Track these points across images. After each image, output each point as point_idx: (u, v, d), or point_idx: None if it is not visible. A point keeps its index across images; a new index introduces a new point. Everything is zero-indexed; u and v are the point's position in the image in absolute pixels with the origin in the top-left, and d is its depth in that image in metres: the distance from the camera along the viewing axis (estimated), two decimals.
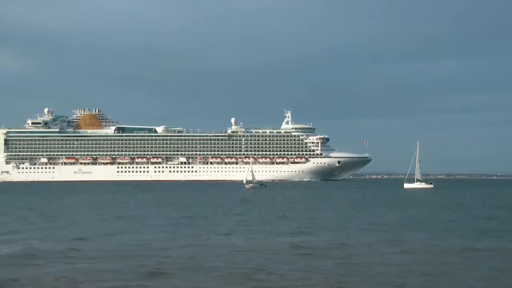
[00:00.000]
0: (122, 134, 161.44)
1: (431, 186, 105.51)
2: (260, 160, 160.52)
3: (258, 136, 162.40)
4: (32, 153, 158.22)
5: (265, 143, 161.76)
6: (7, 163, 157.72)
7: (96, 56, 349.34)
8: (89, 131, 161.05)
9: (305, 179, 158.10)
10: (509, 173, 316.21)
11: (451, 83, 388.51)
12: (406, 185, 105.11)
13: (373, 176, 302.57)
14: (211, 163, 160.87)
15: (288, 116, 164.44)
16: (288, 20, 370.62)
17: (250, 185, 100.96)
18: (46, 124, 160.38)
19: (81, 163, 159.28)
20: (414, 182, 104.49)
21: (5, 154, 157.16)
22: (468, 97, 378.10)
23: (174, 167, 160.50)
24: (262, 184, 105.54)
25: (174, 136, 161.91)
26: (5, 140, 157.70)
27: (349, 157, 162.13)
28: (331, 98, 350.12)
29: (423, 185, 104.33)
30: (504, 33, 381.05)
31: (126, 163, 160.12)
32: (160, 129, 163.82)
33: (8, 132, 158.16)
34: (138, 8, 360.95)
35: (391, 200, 65.11)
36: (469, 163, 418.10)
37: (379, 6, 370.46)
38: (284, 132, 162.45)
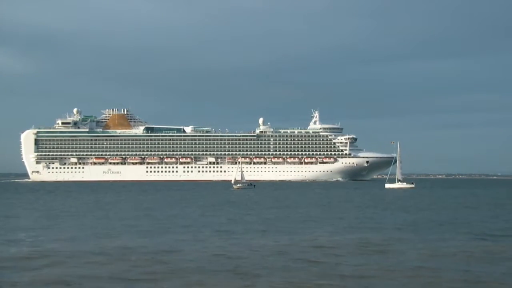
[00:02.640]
0: (151, 134, 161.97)
1: (413, 186, 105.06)
2: (288, 160, 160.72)
3: (287, 136, 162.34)
4: (62, 153, 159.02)
5: (294, 143, 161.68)
6: (37, 163, 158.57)
7: (104, 56, 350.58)
8: (118, 131, 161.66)
9: (333, 179, 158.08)
10: (509, 173, 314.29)
11: (451, 83, 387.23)
12: (388, 185, 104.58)
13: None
14: (239, 163, 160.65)
15: (316, 116, 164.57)
16: (290, 18, 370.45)
17: (239, 185, 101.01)
18: (75, 124, 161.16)
19: (110, 163, 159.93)
20: (395, 182, 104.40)
21: (36, 154, 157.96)
22: (468, 97, 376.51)
23: (203, 167, 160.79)
24: (251, 184, 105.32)
25: (203, 136, 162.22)
26: (35, 140, 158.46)
27: (377, 157, 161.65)
28: (335, 98, 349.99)
29: (404, 185, 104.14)
30: (503, 33, 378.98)
31: (155, 163, 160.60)
32: (188, 129, 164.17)
33: (38, 132, 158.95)
34: (142, 8, 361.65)
35: (346, 200, 64.93)
36: (469, 163, 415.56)
37: (379, 5, 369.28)
38: (313, 132, 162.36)
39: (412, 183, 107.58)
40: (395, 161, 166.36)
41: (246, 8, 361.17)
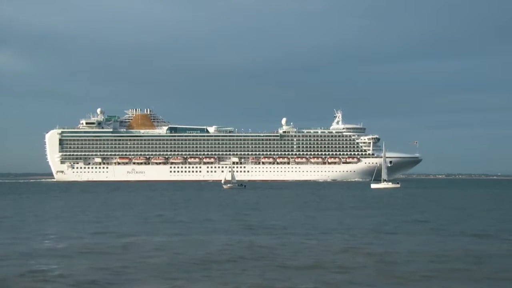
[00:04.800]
0: (175, 134, 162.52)
1: (398, 186, 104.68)
2: (312, 160, 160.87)
3: (310, 136, 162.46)
4: (86, 153, 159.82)
5: (317, 143, 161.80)
6: (62, 162, 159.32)
7: (106, 56, 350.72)
8: (141, 131, 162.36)
9: (356, 179, 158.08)
10: (509, 173, 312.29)
11: (451, 83, 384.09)
12: (373, 185, 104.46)
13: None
14: (263, 163, 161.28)
15: (339, 116, 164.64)
16: (290, 17, 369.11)
17: (229, 185, 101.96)
18: (99, 124, 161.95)
19: (134, 163, 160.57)
20: (381, 182, 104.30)
21: (60, 154, 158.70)
22: (468, 97, 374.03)
23: (226, 167, 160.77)
24: (241, 184, 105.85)
25: (226, 136, 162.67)
26: (60, 140, 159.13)
27: (400, 157, 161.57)
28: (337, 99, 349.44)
29: (389, 185, 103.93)
30: (503, 33, 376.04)
31: (178, 163, 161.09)
32: (212, 129, 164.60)
33: (62, 132, 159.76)
34: (142, 7, 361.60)
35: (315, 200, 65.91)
36: (469, 163, 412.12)
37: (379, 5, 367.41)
38: (336, 132, 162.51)
39: (398, 183, 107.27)
40: (419, 161, 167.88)
41: (248, 6, 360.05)
